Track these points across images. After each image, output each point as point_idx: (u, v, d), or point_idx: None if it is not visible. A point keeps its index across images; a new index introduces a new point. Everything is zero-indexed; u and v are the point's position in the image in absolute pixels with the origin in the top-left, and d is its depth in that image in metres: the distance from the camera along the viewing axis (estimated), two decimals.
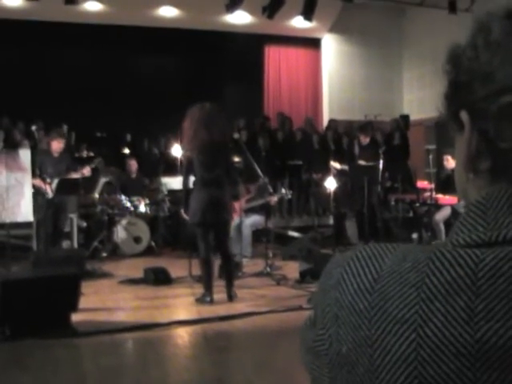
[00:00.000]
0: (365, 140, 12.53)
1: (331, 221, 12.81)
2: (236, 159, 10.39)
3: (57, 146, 10.21)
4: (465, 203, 0.87)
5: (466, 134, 0.84)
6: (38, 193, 9.54)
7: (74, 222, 10.68)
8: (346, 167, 12.61)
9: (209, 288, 7.67)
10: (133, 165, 12.72)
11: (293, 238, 12.61)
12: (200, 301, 7.71)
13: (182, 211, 7.96)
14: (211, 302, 7.63)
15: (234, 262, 8.46)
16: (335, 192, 10.37)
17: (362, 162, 12.14)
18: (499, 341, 0.71)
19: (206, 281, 7.71)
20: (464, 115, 0.83)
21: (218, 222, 7.60)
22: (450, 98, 0.87)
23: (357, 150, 12.70)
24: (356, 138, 13.15)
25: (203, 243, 7.61)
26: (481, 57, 0.81)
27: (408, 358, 0.75)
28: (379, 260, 0.83)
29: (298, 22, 15.36)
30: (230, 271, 7.94)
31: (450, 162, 10.93)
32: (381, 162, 11.79)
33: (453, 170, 10.61)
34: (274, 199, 10.60)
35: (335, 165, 12.59)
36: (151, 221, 12.12)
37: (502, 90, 0.79)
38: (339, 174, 12.50)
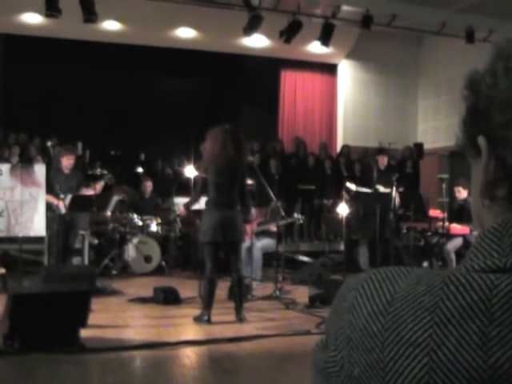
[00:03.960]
0: (383, 161, 12.51)
1: (342, 247, 12.76)
2: (249, 182, 10.42)
3: (67, 162, 10.21)
4: (479, 230, 0.87)
5: (483, 160, 0.84)
6: (49, 209, 9.56)
7: (85, 239, 10.70)
8: (361, 189, 12.53)
9: (207, 307, 7.65)
10: (148, 186, 12.76)
11: (303, 262, 12.58)
12: (198, 320, 7.71)
13: (185, 207, 7.99)
14: (208, 321, 7.62)
15: (245, 285, 8.44)
16: (347, 218, 10.34)
17: (379, 187, 12.11)
18: None
19: (206, 300, 7.69)
20: (482, 141, 0.83)
21: (228, 241, 7.61)
22: (467, 124, 0.87)
23: (375, 174, 12.67)
24: (374, 163, 13.12)
25: (210, 263, 7.59)
26: (500, 84, 0.81)
27: (420, 381, 0.75)
28: (393, 283, 0.83)
29: (315, 48, 15.39)
30: (241, 293, 7.90)
31: (461, 193, 10.88)
32: (394, 189, 11.77)
33: (465, 201, 10.61)
34: (274, 228, 10.66)
35: (351, 186, 12.51)
36: (162, 240, 12.13)
37: None
38: (351, 200, 12.46)
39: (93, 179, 10.97)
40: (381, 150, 13.06)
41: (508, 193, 0.81)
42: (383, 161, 12.56)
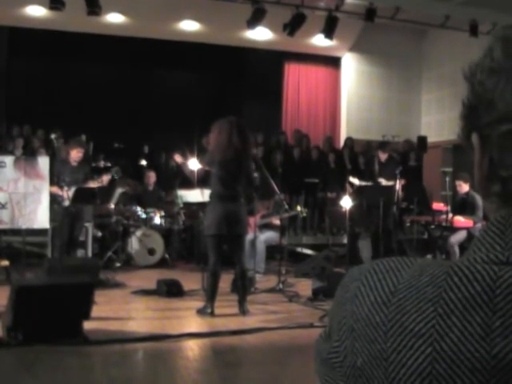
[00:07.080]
0: (382, 157, 12.48)
1: (345, 240, 12.75)
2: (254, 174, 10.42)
3: (76, 155, 10.20)
4: (482, 223, 0.86)
5: (476, 157, 0.84)
6: (54, 201, 9.57)
7: (89, 231, 10.71)
8: (364, 183, 12.50)
9: (211, 300, 7.66)
10: (151, 177, 12.78)
11: (306, 255, 12.58)
12: (201, 312, 7.71)
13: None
14: (211, 314, 7.62)
15: (248, 278, 8.43)
16: (350, 211, 10.33)
17: (382, 180, 12.09)
18: None
19: (210, 292, 7.70)
20: (474, 138, 0.83)
21: (232, 235, 7.59)
22: (463, 119, 0.86)
23: (377, 167, 12.65)
24: (375, 156, 13.11)
25: (214, 256, 7.59)
26: (486, 82, 0.81)
27: (423, 372, 0.75)
28: (396, 274, 0.83)
29: (319, 40, 15.38)
30: (245, 286, 7.90)
31: (462, 187, 10.88)
32: (397, 182, 11.75)
33: (467, 194, 10.60)
34: (277, 221, 10.62)
35: (354, 180, 12.48)
36: (166, 233, 12.14)
37: (502, 118, 0.78)
38: (355, 193, 12.45)
39: (99, 172, 10.96)
40: (381, 145, 13.03)
41: (500, 191, 0.81)
42: (383, 156, 12.53)
